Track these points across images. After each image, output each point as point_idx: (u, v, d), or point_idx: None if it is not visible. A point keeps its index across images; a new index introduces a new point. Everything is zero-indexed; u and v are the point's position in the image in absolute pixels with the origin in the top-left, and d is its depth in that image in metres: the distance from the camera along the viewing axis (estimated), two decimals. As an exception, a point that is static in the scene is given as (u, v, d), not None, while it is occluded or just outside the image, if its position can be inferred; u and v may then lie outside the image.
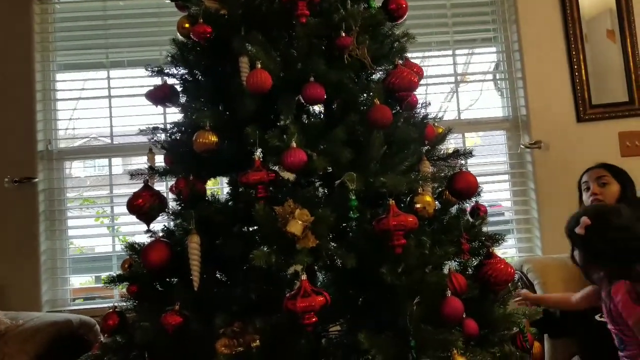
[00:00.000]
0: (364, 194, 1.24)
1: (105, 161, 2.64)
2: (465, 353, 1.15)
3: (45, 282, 2.39)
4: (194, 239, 1.17)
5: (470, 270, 1.35)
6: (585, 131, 2.69)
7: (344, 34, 1.34)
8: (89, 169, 3.01)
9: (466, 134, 2.82)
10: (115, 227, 2.64)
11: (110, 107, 2.57)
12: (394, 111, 1.38)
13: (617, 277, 1.51)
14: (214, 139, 1.25)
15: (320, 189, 1.34)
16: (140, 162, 2.70)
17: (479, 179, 1.38)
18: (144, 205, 1.31)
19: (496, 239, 1.37)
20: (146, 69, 1.50)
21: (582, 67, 2.73)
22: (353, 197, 1.17)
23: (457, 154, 1.45)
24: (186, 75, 1.53)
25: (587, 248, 1.55)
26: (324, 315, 1.12)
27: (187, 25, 1.50)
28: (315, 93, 1.28)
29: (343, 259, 1.14)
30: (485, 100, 2.93)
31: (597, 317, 1.83)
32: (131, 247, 1.34)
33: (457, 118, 2.77)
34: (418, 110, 1.53)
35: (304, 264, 1.11)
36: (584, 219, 1.53)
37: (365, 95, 1.37)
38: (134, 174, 1.39)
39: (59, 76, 2.61)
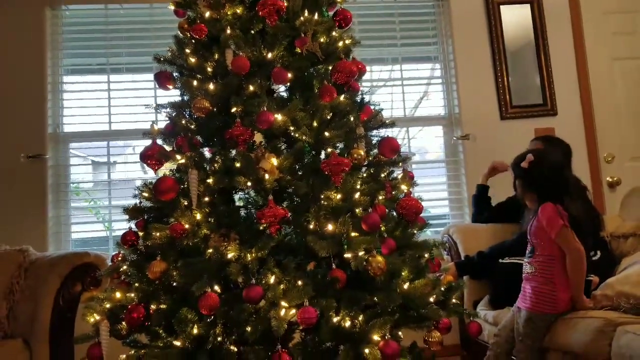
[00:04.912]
0: (314, 146, 1.75)
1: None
2: (383, 256, 1.65)
3: (51, 245, 2.79)
4: (193, 172, 1.65)
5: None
6: (507, 127, 3.28)
7: (303, 35, 1.86)
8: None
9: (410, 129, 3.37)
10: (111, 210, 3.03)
11: (109, 98, 3.02)
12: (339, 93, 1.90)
13: (545, 200, 1.89)
14: (207, 104, 1.73)
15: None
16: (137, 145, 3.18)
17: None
18: (154, 155, 1.77)
19: (413, 183, 1.89)
20: (155, 57, 1.97)
21: (505, 74, 3.33)
22: (306, 145, 1.67)
23: (385, 125, 1.96)
24: (183, 63, 2.01)
25: (527, 179, 1.97)
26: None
27: (186, 25, 1.99)
28: (281, 75, 1.79)
29: (297, 186, 1.64)
30: (429, 102, 3.50)
31: (500, 260, 2.37)
32: (144, 185, 1.79)
33: (404, 115, 3.33)
34: (360, 95, 2.05)
35: (271, 189, 1.60)
36: (529, 156, 1.97)
37: (317, 79, 1.88)
38: (145, 133, 1.84)
39: (66, 77, 3.04)
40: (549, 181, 1.91)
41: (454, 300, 1.81)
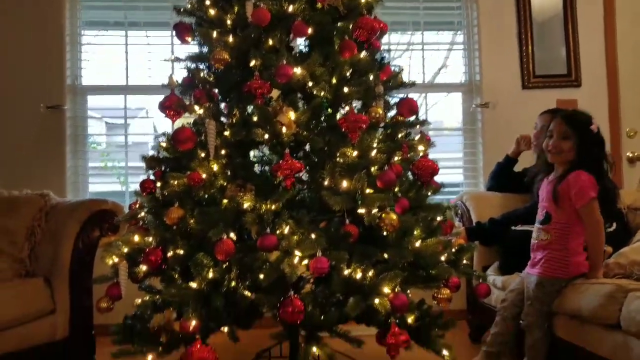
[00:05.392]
0: (332, 102, 1.74)
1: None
2: (397, 214, 1.66)
3: (69, 194, 2.85)
4: (211, 123, 1.65)
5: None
6: (528, 96, 3.20)
7: (324, -11, 1.82)
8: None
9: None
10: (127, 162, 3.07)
11: (126, 52, 3.02)
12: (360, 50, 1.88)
13: (581, 167, 1.84)
14: (226, 55, 1.73)
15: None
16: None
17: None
18: (172, 106, 1.78)
19: (430, 144, 1.88)
20: (174, 8, 1.95)
21: (530, 44, 3.24)
22: (324, 100, 1.67)
23: (404, 85, 1.94)
24: (203, 15, 1.99)
25: (589, 142, 1.87)
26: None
27: (207, -24, 1.96)
28: (301, 29, 1.76)
29: (314, 141, 1.64)
30: (449, 68, 3.44)
31: (512, 228, 2.37)
32: (163, 135, 1.81)
33: (423, 82, 3.28)
34: (380, 54, 2.03)
35: (288, 143, 1.61)
36: (597, 122, 1.91)
37: (338, 35, 1.85)
38: (165, 85, 1.85)
39: (84, 30, 3.03)
40: (600, 152, 1.89)
41: (464, 261, 1.83)
